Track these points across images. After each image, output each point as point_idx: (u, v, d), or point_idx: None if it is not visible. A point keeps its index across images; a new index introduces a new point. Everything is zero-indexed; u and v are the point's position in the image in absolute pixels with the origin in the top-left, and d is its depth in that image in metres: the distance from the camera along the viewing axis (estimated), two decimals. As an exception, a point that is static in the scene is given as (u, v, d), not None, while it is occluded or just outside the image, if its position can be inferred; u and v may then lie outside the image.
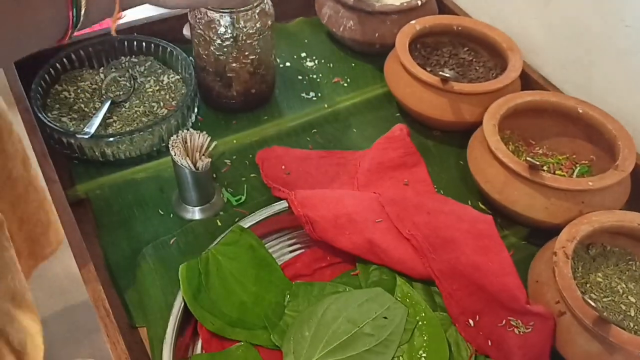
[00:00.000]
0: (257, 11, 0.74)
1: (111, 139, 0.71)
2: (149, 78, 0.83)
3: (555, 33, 0.80)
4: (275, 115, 0.82)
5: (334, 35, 0.91)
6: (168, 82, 0.83)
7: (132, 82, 0.82)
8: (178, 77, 0.84)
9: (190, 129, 0.67)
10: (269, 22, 0.76)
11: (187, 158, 0.65)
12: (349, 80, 0.88)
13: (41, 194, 0.98)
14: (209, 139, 0.66)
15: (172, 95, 0.82)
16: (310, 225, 0.64)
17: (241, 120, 0.82)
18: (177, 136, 0.66)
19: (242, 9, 0.72)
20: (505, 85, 0.75)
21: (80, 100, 0.80)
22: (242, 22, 0.74)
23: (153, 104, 0.80)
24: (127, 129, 0.77)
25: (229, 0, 0.64)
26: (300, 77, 0.88)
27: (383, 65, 0.89)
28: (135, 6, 0.56)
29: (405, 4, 0.85)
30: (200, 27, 0.75)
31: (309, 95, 0.86)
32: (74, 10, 0.50)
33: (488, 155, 0.69)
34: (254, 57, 0.77)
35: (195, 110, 0.80)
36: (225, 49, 0.76)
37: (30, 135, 0.71)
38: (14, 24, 0.48)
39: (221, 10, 0.73)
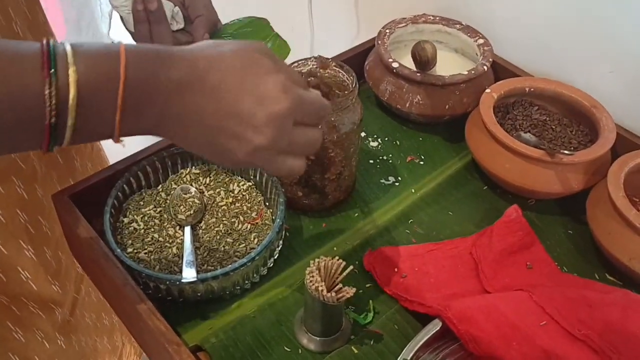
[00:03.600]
0: (351, 102, 0.67)
1: (217, 275, 0.62)
2: (218, 190, 0.75)
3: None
4: (365, 211, 0.76)
5: (397, 111, 0.86)
6: (240, 190, 0.75)
7: (200, 198, 0.73)
8: (249, 183, 0.76)
9: (322, 257, 0.59)
10: (359, 119, 0.69)
11: (325, 289, 0.57)
12: (423, 157, 0.83)
13: None
14: (343, 264, 0.59)
15: (249, 205, 0.74)
16: (474, 343, 0.58)
17: (330, 222, 0.74)
18: (312, 266, 0.58)
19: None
20: (609, 148, 0.72)
21: (152, 229, 0.71)
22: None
23: (233, 220, 0.72)
24: (216, 254, 0.68)
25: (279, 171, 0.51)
26: (371, 161, 0.82)
27: (451, 134, 0.86)
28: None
29: (473, 72, 0.81)
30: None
31: (388, 180, 0.80)
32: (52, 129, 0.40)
33: (622, 228, 0.65)
34: (340, 159, 0.70)
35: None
36: (313, 157, 0.69)
37: (123, 289, 0.61)
38: None
39: None
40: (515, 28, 0.91)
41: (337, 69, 0.70)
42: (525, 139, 0.76)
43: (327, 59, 0.70)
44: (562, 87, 0.80)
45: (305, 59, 0.70)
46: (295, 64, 0.70)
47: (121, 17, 0.69)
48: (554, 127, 0.81)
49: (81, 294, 0.84)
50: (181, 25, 0.70)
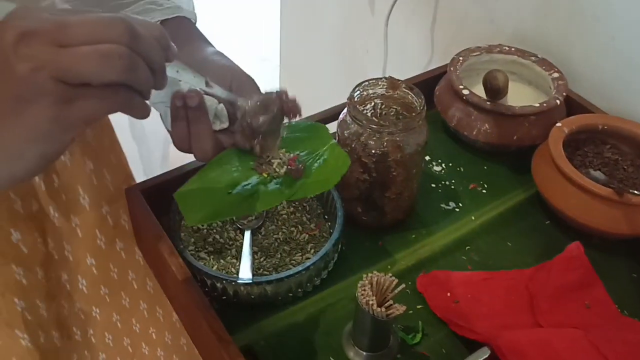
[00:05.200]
0: (417, 124, 0.68)
1: (272, 280, 0.64)
2: (280, 199, 0.77)
3: None
4: (422, 233, 0.76)
5: (463, 137, 0.86)
6: (301, 201, 0.77)
7: (263, 204, 0.75)
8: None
9: (375, 272, 0.60)
10: (424, 141, 0.70)
11: (376, 303, 0.58)
12: (486, 185, 0.83)
13: None
14: (395, 281, 0.60)
15: (308, 216, 0.75)
16: (523, 375, 0.57)
17: (387, 241, 0.75)
18: (365, 279, 0.59)
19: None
20: (683, 193, 0.70)
21: (214, 230, 0.73)
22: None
23: (292, 229, 0.74)
24: (272, 260, 0.70)
25: None
26: (433, 185, 0.83)
27: (516, 165, 0.85)
28: None
29: (545, 104, 0.81)
30: (348, 142, 0.69)
31: (449, 205, 0.80)
32: None
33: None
34: (402, 179, 0.71)
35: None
36: (375, 174, 0.70)
37: (182, 284, 0.63)
38: None
39: (372, 126, 0.67)
40: (592, 64, 0.89)
41: (407, 90, 0.71)
42: (594, 176, 0.74)
43: (398, 80, 0.72)
44: (638, 127, 0.78)
45: (376, 79, 0.72)
46: (366, 83, 0.72)
47: (160, 114, 0.66)
48: (625, 167, 0.79)
49: None
50: (225, 125, 0.60)
